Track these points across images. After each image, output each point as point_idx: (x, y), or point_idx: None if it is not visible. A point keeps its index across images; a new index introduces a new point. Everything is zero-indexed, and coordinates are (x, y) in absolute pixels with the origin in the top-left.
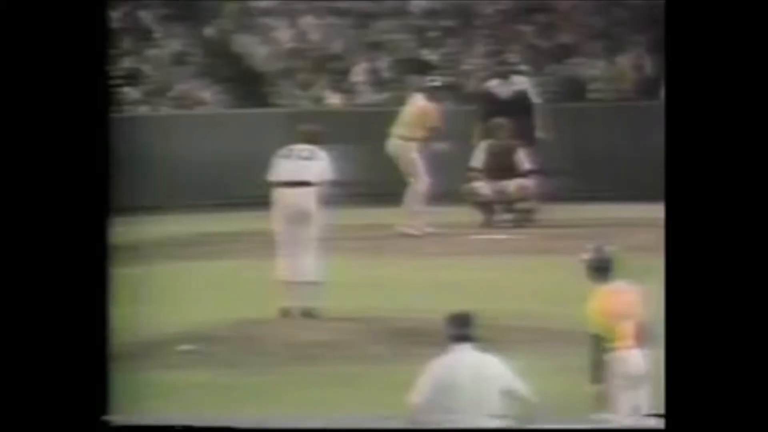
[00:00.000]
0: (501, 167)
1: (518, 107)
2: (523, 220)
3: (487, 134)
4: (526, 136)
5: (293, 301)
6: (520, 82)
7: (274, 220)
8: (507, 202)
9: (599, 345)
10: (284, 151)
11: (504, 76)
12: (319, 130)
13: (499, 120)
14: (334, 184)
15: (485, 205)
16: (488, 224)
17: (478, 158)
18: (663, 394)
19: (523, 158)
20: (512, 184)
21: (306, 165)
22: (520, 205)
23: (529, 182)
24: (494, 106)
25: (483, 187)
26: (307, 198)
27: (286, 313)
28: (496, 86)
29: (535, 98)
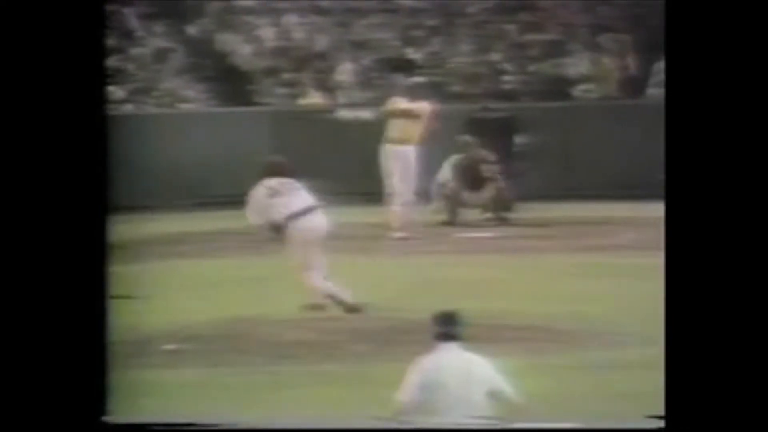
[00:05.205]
0: (472, 179)
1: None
2: (508, 219)
3: (457, 149)
4: (510, 134)
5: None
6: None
7: (294, 250)
8: (486, 206)
9: None
10: (267, 190)
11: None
12: (285, 162)
13: (466, 137)
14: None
15: (458, 208)
16: (464, 223)
17: (446, 173)
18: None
19: (492, 168)
20: (488, 190)
21: (302, 191)
22: (502, 205)
23: (503, 184)
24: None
25: (458, 196)
26: (322, 219)
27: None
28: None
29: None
